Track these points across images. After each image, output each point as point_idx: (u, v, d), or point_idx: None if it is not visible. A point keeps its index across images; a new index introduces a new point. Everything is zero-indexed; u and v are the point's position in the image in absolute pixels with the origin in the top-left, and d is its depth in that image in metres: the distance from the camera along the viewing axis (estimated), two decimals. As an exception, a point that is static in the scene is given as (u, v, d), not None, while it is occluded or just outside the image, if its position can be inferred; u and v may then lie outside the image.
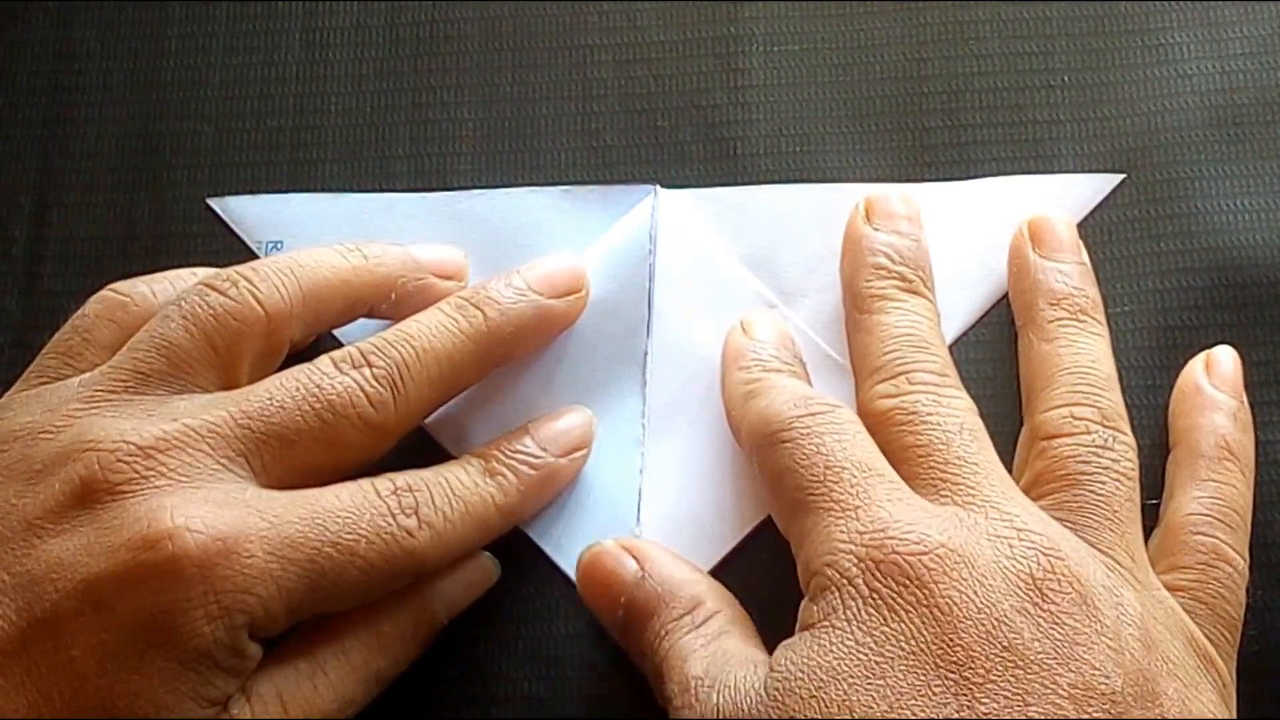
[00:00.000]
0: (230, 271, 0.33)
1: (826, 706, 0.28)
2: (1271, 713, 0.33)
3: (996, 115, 0.39)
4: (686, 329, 0.37)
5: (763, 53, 0.40)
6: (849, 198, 0.37)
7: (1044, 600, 0.28)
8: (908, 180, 0.38)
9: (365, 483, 0.32)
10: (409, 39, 0.41)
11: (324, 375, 0.32)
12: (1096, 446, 0.32)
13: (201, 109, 0.41)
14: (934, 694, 0.27)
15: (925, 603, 0.28)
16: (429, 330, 0.34)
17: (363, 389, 0.32)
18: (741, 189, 0.38)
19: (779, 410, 0.32)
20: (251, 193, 0.40)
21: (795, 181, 0.39)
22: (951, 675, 0.27)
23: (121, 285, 0.35)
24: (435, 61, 0.41)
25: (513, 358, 0.36)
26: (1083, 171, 0.38)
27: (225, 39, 0.42)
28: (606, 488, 0.36)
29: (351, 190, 0.40)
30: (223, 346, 0.32)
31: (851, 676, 0.28)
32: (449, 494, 0.32)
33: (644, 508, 0.35)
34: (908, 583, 0.28)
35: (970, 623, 0.28)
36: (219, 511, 0.29)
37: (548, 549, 0.35)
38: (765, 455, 0.32)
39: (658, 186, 0.38)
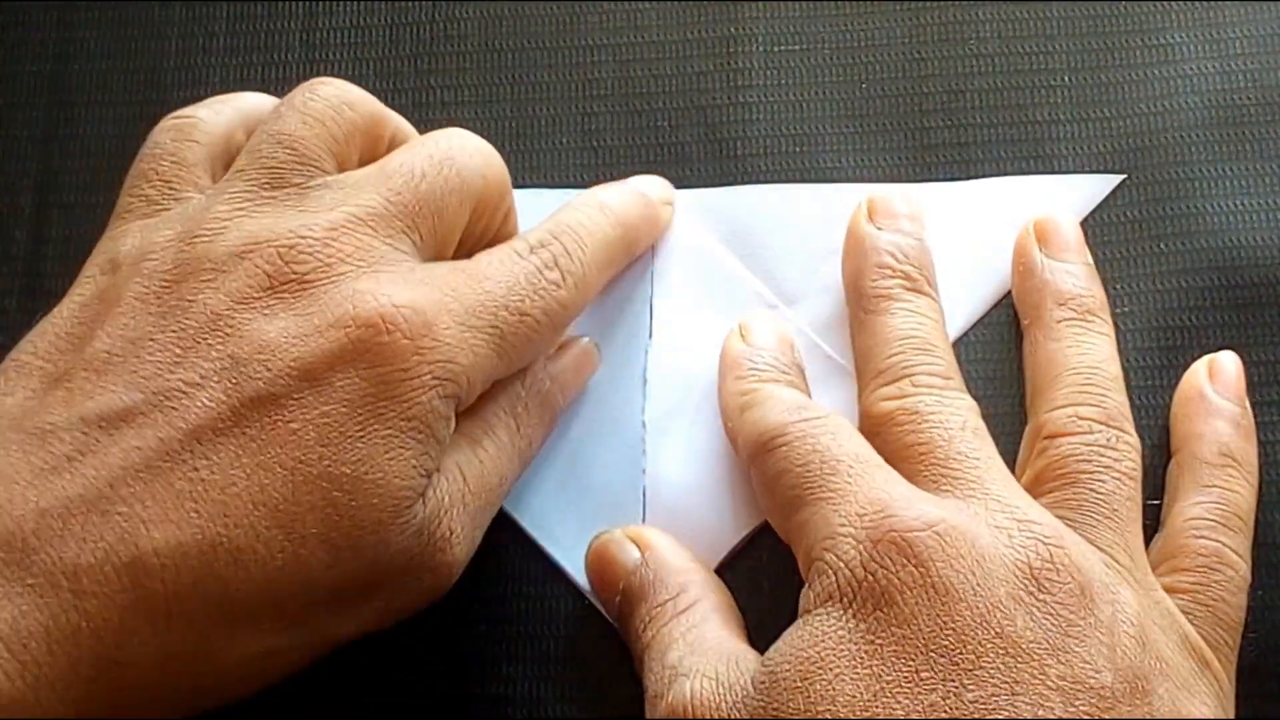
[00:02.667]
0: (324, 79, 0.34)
1: (811, 698, 0.28)
2: (1272, 714, 0.33)
3: (996, 115, 0.39)
4: (687, 329, 0.37)
5: (763, 53, 0.40)
6: (849, 198, 0.37)
7: (1040, 590, 0.28)
8: (908, 180, 0.38)
9: (506, 248, 0.33)
10: (409, 39, 0.41)
11: (447, 142, 0.33)
12: (1099, 446, 0.32)
13: (201, 109, 0.41)
14: (921, 680, 0.27)
15: (921, 583, 0.28)
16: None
17: (479, 145, 0.34)
18: (741, 189, 0.39)
19: (773, 419, 0.32)
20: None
21: (795, 181, 0.39)
22: (941, 660, 0.27)
23: (181, 111, 0.34)
24: (435, 61, 0.41)
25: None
26: (1083, 171, 0.38)
27: (225, 39, 0.42)
28: (610, 490, 0.36)
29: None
30: (341, 137, 0.33)
31: (839, 665, 0.28)
32: (576, 238, 0.34)
33: (648, 508, 0.35)
34: (905, 561, 0.28)
35: (965, 605, 0.28)
36: (411, 290, 0.30)
37: (552, 550, 0.35)
38: (761, 462, 0.32)
39: None
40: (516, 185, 0.39)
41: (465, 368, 0.30)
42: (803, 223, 0.38)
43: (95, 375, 0.28)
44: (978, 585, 0.28)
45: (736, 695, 0.29)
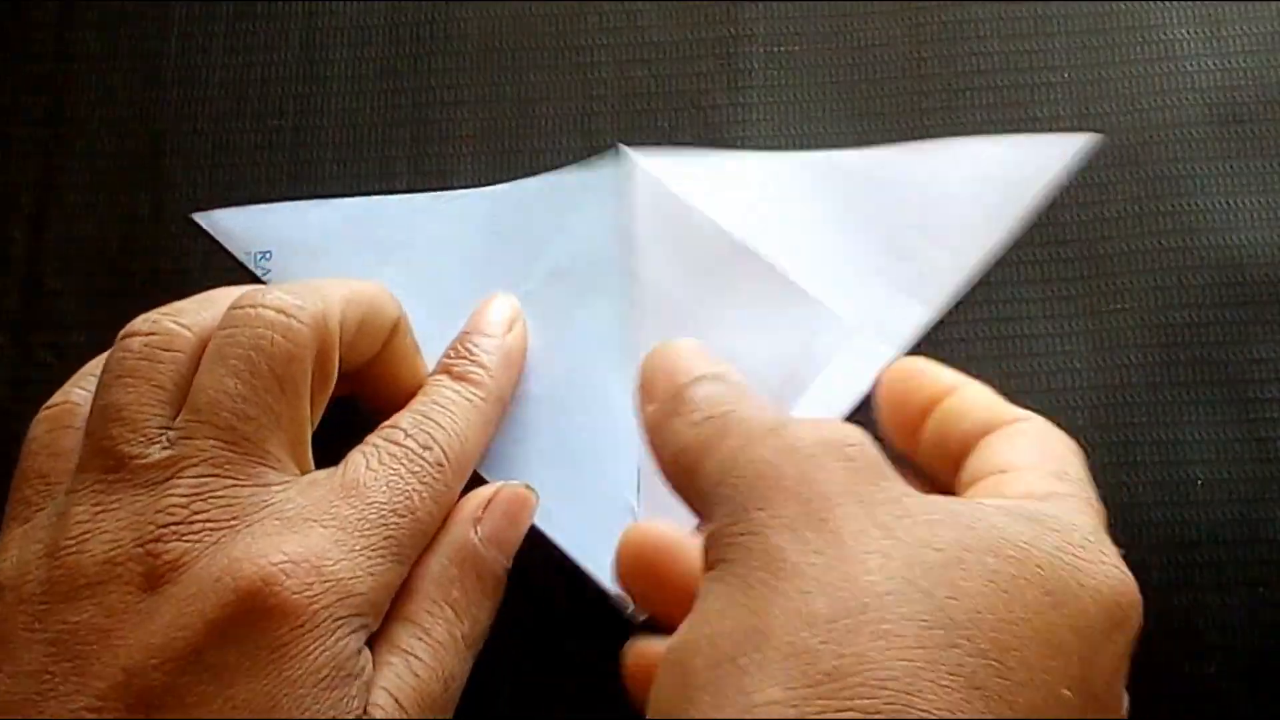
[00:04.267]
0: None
1: None
2: (1271, 713, 0.33)
3: (996, 114, 0.39)
4: (670, 295, 0.36)
5: (763, 53, 0.40)
6: (828, 166, 0.37)
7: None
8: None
9: (377, 439, 0.32)
10: (409, 39, 0.41)
11: (246, 332, 0.30)
12: None
13: (201, 109, 0.41)
14: None
15: None
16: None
17: (280, 298, 0.31)
18: (724, 153, 0.38)
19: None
20: (252, 193, 0.40)
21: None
22: None
23: (55, 396, 0.33)
24: (435, 61, 0.41)
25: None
26: (1083, 169, 0.38)
27: (225, 39, 0.42)
28: (603, 465, 0.36)
29: (351, 191, 0.40)
30: (168, 384, 0.31)
31: None
32: (449, 414, 0.33)
33: (643, 483, 0.35)
34: None
35: None
36: (288, 535, 0.29)
37: (547, 528, 0.35)
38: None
39: (620, 146, 0.38)
40: (516, 185, 0.39)
41: (367, 593, 0.29)
42: (793, 189, 0.38)
43: None
44: None
45: None
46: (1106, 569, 0.25)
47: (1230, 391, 0.36)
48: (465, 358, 0.35)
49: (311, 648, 0.28)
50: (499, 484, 0.34)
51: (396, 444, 0.32)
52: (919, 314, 0.37)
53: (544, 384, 0.37)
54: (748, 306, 0.37)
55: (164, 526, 0.29)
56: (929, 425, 0.31)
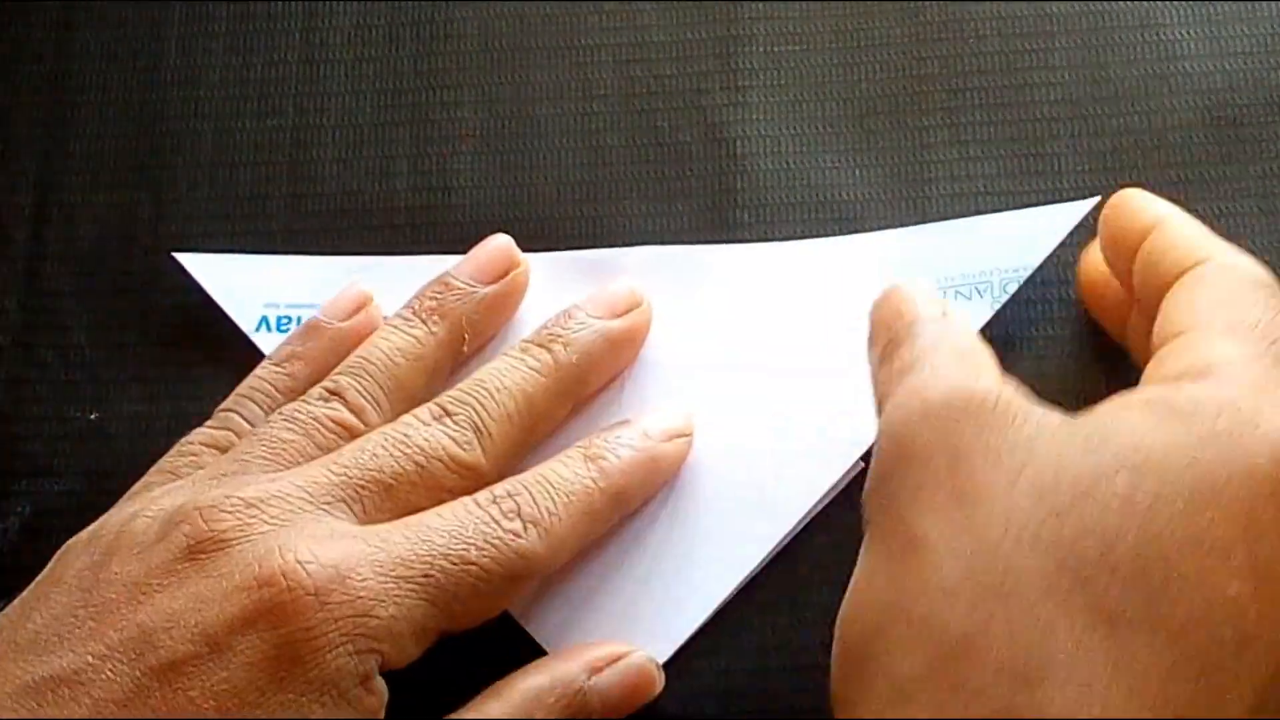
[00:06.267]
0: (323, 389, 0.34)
1: None
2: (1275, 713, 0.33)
3: (996, 114, 0.39)
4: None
5: (763, 53, 0.40)
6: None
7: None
8: (909, 181, 0.38)
9: (465, 498, 0.32)
10: (409, 39, 0.41)
11: (409, 427, 0.33)
12: None
13: (201, 109, 0.41)
14: None
15: None
16: (499, 372, 0.34)
17: (449, 435, 0.32)
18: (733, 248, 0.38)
19: None
20: (251, 190, 0.40)
21: (795, 185, 0.39)
22: None
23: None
24: (435, 61, 0.41)
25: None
26: (1082, 169, 0.38)
27: (225, 39, 0.42)
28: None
29: (349, 189, 0.40)
30: (326, 446, 0.33)
31: None
32: (548, 489, 0.32)
33: None
34: None
35: None
36: (326, 543, 0.29)
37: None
38: None
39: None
40: (516, 186, 0.39)
41: (385, 621, 0.29)
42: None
43: (18, 655, 0.28)
44: None
45: None
46: (1264, 432, 0.24)
47: (1230, 392, 0.36)
48: (610, 441, 0.34)
49: (312, 656, 0.28)
50: (630, 648, 0.33)
51: (478, 505, 0.31)
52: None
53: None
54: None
55: (227, 497, 0.30)
56: (1136, 270, 0.30)
